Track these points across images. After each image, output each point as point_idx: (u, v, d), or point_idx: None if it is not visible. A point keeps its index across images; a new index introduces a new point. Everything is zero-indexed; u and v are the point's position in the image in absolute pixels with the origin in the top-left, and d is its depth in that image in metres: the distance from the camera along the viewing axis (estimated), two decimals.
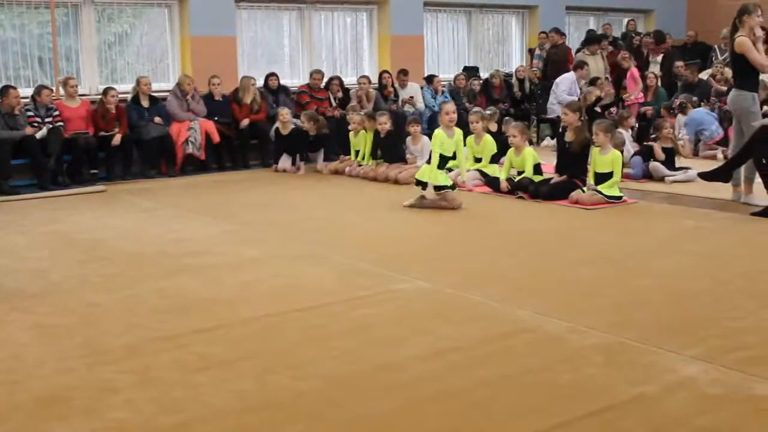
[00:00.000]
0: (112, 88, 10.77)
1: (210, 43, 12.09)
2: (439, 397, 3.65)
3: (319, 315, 4.89)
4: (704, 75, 13.83)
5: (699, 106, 12.18)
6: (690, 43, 16.12)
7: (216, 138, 11.20)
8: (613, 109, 12.08)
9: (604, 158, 8.38)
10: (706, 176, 8.37)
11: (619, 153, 8.56)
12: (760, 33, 8.17)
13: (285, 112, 11.28)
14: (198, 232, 7.35)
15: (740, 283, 5.42)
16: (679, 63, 13.92)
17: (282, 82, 12.58)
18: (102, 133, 10.48)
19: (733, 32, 8.23)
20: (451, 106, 8.44)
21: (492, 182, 9.25)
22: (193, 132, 11.05)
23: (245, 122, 11.58)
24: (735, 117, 8.47)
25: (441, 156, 8.11)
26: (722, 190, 8.43)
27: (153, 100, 11.19)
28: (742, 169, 8.09)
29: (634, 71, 13.62)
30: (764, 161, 7.51)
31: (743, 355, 4.09)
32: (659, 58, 14.91)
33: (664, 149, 9.76)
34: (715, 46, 14.89)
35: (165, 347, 4.34)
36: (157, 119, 10.98)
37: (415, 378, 3.88)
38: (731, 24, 8.30)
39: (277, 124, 11.34)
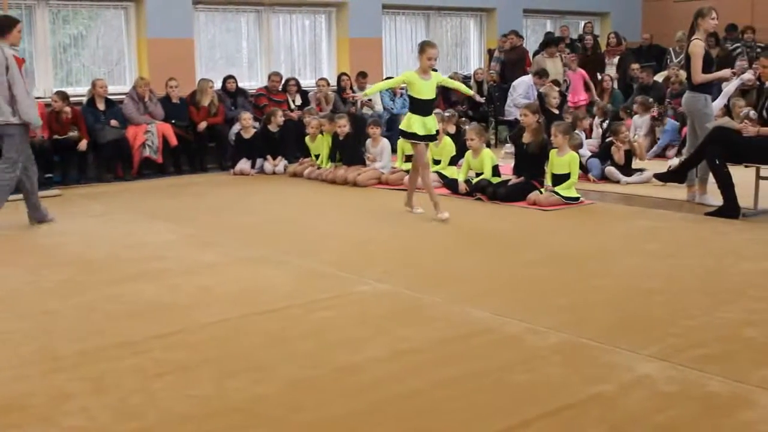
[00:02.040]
0: (62, 92, 10.64)
1: (167, 45, 12.00)
2: (398, 399, 3.65)
3: (279, 318, 4.86)
4: (659, 77, 14.01)
5: (654, 107, 12.33)
6: (645, 45, 16.31)
7: (173, 141, 11.11)
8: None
9: (561, 160, 8.45)
10: (661, 177, 8.48)
11: (576, 154, 8.64)
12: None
13: (247, 117, 11.26)
14: (155, 236, 7.28)
15: (695, 283, 5.50)
16: (635, 65, 14.09)
17: (240, 84, 12.52)
18: (56, 137, 10.34)
19: (690, 34, 8.36)
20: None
21: (450, 184, 9.28)
22: (150, 135, 10.95)
23: (203, 125, 11.51)
24: (689, 118, 8.60)
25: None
26: (677, 191, 8.54)
27: (109, 102, 11.08)
28: (697, 170, 8.20)
29: (583, 73, 13.75)
30: (717, 162, 7.62)
31: (699, 353, 4.14)
32: (615, 60, 15.08)
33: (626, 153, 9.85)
34: (670, 49, 15.08)
35: (122, 353, 4.29)
36: (113, 122, 10.88)
37: (374, 380, 3.87)
38: (689, 27, 8.42)
39: (238, 128, 11.29)
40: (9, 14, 8.19)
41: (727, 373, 3.86)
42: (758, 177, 7.89)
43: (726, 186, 7.61)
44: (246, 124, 11.17)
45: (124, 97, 11.29)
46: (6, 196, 7.64)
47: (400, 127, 8.00)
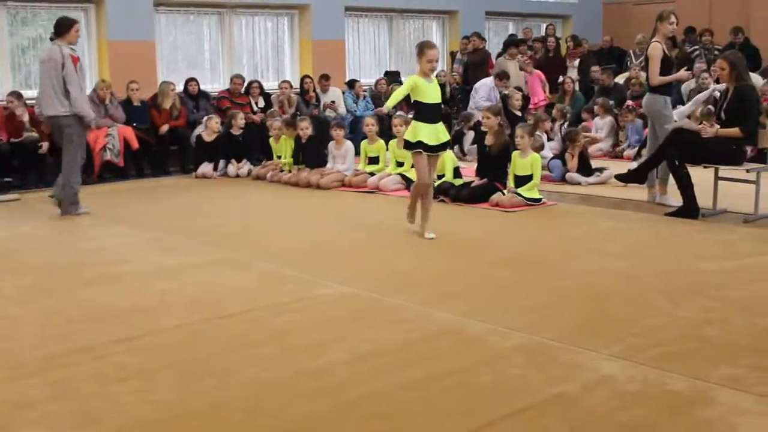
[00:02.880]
0: (16, 92, 10.51)
1: (128, 47, 11.89)
2: (362, 401, 3.65)
3: (241, 322, 4.84)
4: (620, 79, 14.15)
5: (615, 109, 12.46)
6: (606, 47, 16.46)
7: (135, 144, 11.01)
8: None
9: (523, 161, 8.49)
10: (622, 178, 8.56)
11: (538, 156, 8.69)
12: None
13: (215, 121, 11.17)
14: (116, 240, 7.21)
15: (656, 282, 5.55)
16: (596, 67, 14.22)
17: (202, 87, 12.44)
18: (12, 140, 10.20)
19: (651, 38, 8.46)
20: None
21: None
22: (111, 138, 10.84)
23: (165, 128, 11.42)
24: (649, 120, 8.70)
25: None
26: (638, 192, 8.63)
27: None
28: (657, 170, 8.30)
29: (540, 75, 13.84)
30: (677, 163, 7.71)
31: (659, 352, 4.18)
32: (576, 62, 15.21)
33: (579, 157, 9.92)
34: (630, 51, 15.24)
35: (83, 359, 4.25)
36: None
37: (338, 383, 3.87)
38: (652, 29, 8.52)
39: (202, 131, 11.23)
40: (68, 16, 8.77)
41: (687, 371, 3.91)
42: (717, 178, 8.00)
43: (685, 187, 7.70)
44: (214, 128, 11.11)
45: None
46: (72, 192, 8.32)
47: (404, 137, 7.21)
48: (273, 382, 3.91)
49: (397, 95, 6.94)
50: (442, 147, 7.06)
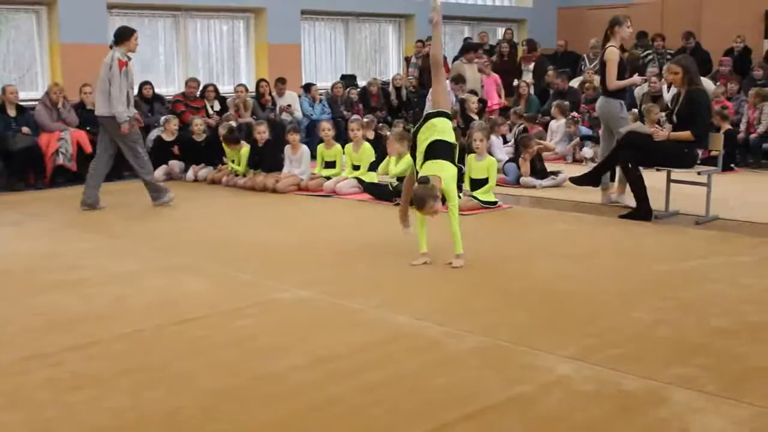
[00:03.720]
0: None
1: (81, 50, 11.74)
2: (319, 406, 3.65)
3: (198, 327, 4.80)
4: (574, 83, 14.30)
5: (571, 112, 12.59)
6: (560, 52, 16.63)
7: (88, 148, 10.85)
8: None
9: (479, 164, 8.54)
10: (576, 180, 8.64)
11: (494, 159, 8.75)
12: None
13: (174, 123, 11.09)
14: (70, 246, 7.12)
15: (610, 284, 5.63)
16: (550, 71, 14.35)
17: (157, 90, 12.34)
18: None
19: (605, 42, 8.56)
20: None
21: (370, 189, 9.31)
22: (64, 142, 10.71)
23: None
24: (603, 123, 8.79)
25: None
26: (592, 194, 8.72)
27: (21, 109, 10.80)
28: (617, 171, 8.38)
29: (497, 78, 13.95)
30: (630, 166, 7.81)
31: (614, 353, 4.24)
32: (531, 66, 15.33)
33: (532, 162, 10.00)
34: (584, 55, 15.41)
35: (36, 366, 4.19)
36: (25, 129, 10.60)
37: (295, 387, 3.86)
38: (603, 34, 8.62)
39: (158, 133, 11.13)
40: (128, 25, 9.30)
41: (641, 371, 3.97)
42: (669, 180, 8.12)
43: (639, 189, 7.80)
44: (172, 130, 11.04)
45: (36, 103, 11.02)
46: (155, 186, 9.07)
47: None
48: (230, 387, 3.89)
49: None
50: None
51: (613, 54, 8.37)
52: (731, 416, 3.47)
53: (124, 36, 8.70)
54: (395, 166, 9.13)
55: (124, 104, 8.59)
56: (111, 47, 8.73)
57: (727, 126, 10.93)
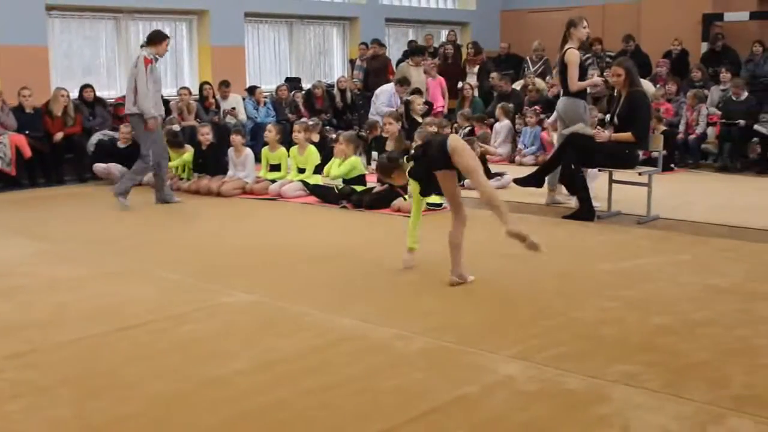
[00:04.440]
0: None
1: (19, 52, 11.52)
2: (265, 410, 3.63)
3: (143, 333, 4.75)
4: (517, 86, 14.43)
5: (515, 114, 12.72)
6: (504, 54, 16.77)
7: (27, 153, 10.67)
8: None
9: None
10: (520, 182, 8.71)
11: None
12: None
13: (128, 130, 10.88)
14: (8, 252, 6.97)
15: (554, 284, 5.69)
16: (494, 74, 14.47)
17: (98, 93, 12.17)
18: None
19: (563, 44, 8.64)
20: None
21: (316, 191, 9.29)
22: (2, 147, 10.49)
23: (59, 136, 11.12)
24: (562, 124, 8.77)
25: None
26: (536, 195, 8.80)
27: None
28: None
29: (442, 81, 14.02)
30: (572, 167, 7.90)
31: (557, 352, 4.29)
32: (476, 69, 15.44)
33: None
34: (527, 58, 15.56)
35: None
36: None
37: (241, 392, 3.83)
38: (562, 36, 8.70)
39: (100, 136, 10.98)
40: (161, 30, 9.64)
41: (584, 370, 4.02)
42: (611, 180, 8.25)
43: (581, 190, 7.91)
44: (127, 136, 10.81)
45: None
46: (131, 183, 9.12)
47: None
48: (177, 393, 3.85)
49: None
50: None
51: (573, 55, 8.45)
52: (672, 412, 3.54)
53: (156, 39, 8.93)
54: (337, 168, 9.12)
55: (151, 101, 8.78)
56: (141, 47, 9.04)
57: (662, 127, 11.13)
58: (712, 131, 11.85)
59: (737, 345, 4.41)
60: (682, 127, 11.97)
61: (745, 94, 11.56)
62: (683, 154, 11.90)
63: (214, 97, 12.93)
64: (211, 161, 10.24)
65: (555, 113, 9.68)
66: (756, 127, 11.07)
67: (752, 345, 4.41)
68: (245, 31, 14.65)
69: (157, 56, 8.95)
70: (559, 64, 8.77)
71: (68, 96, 11.46)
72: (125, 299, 5.46)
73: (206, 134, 10.18)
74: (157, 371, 4.13)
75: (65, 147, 11.27)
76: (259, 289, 5.59)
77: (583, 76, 8.56)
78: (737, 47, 14.25)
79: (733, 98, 11.57)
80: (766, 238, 7.04)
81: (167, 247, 7.09)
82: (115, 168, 10.83)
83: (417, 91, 12.49)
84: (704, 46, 14.92)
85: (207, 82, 13.05)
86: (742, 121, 11.20)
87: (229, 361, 4.24)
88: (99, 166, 10.95)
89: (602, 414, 3.54)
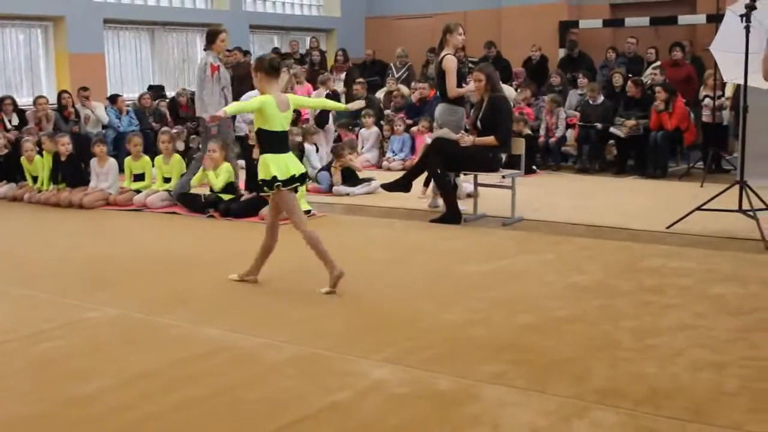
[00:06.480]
0: None
1: None
2: (129, 427, 3.51)
3: None
4: (380, 93, 14.56)
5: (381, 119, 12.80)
6: (369, 61, 16.88)
7: None
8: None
9: None
10: (388, 187, 8.76)
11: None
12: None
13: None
14: None
15: (423, 287, 5.75)
16: (359, 80, 14.54)
17: None
18: None
19: (440, 50, 8.72)
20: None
21: (182, 200, 9.10)
22: None
23: None
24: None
25: None
26: (405, 200, 8.88)
27: None
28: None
29: (309, 87, 14.00)
30: (438, 171, 8.02)
31: (428, 354, 4.33)
32: (343, 75, 15.49)
33: (343, 170, 10.08)
34: (391, 64, 15.71)
35: None
36: None
37: (105, 410, 3.69)
38: (439, 42, 8.78)
39: None
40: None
41: (454, 371, 4.07)
42: (476, 184, 8.40)
43: (447, 194, 8.03)
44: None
45: None
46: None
47: (259, 178, 5.67)
48: (35, 415, 3.67)
49: (240, 107, 6.48)
50: (297, 180, 5.69)
51: (450, 62, 8.54)
52: (539, 408, 3.62)
53: (210, 38, 9.06)
54: (217, 179, 8.89)
55: (215, 108, 8.50)
56: (204, 50, 9.22)
57: (527, 131, 11.44)
58: (571, 134, 12.26)
59: (599, 340, 4.55)
60: (542, 131, 12.32)
61: (601, 98, 12.00)
62: (545, 157, 12.26)
63: (73, 105, 12.49)
64: (71, 172, 9.86)
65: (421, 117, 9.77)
66: (612, 129, 11.51)
67: (613, 339, 4.56)
68: (105, 37, 14.23)
69: (219, 57, 9.13)
70: (436, 70, 8.88)
71: None
72: None
73: (65, 144, 9.81)
74: (10, 393, 3.93)
75: None
76: (123, 303, 5.42)
77: (461, 82, 8.66)
78: (592, 53, 14.80)
79: (590, 102, 11.99)
80: (622, 236, 7.31)
81: (24, 262, 6.77)
82: None
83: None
84: (562, 52, 15.44)
85: (65, 91, 12.59)
86: (599, 124, 11.63)
87: (92, 379, 4.08)
88: None
89: (473, 413, 3.59)
